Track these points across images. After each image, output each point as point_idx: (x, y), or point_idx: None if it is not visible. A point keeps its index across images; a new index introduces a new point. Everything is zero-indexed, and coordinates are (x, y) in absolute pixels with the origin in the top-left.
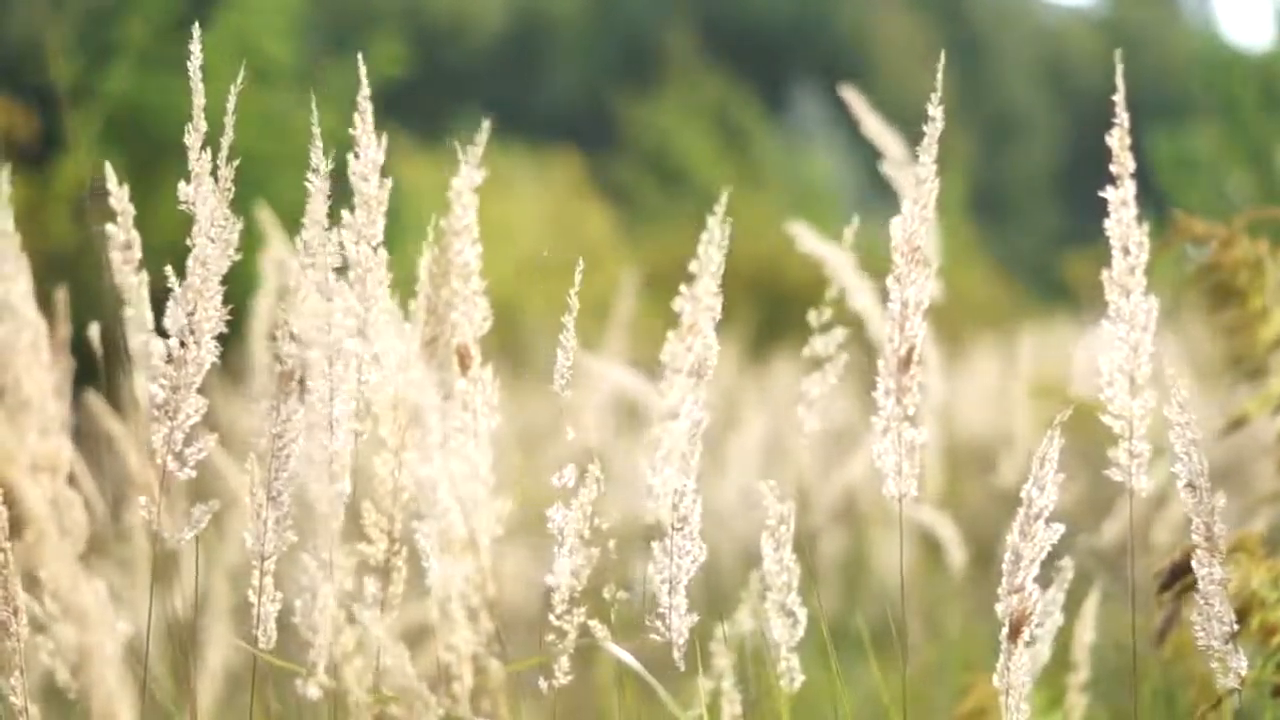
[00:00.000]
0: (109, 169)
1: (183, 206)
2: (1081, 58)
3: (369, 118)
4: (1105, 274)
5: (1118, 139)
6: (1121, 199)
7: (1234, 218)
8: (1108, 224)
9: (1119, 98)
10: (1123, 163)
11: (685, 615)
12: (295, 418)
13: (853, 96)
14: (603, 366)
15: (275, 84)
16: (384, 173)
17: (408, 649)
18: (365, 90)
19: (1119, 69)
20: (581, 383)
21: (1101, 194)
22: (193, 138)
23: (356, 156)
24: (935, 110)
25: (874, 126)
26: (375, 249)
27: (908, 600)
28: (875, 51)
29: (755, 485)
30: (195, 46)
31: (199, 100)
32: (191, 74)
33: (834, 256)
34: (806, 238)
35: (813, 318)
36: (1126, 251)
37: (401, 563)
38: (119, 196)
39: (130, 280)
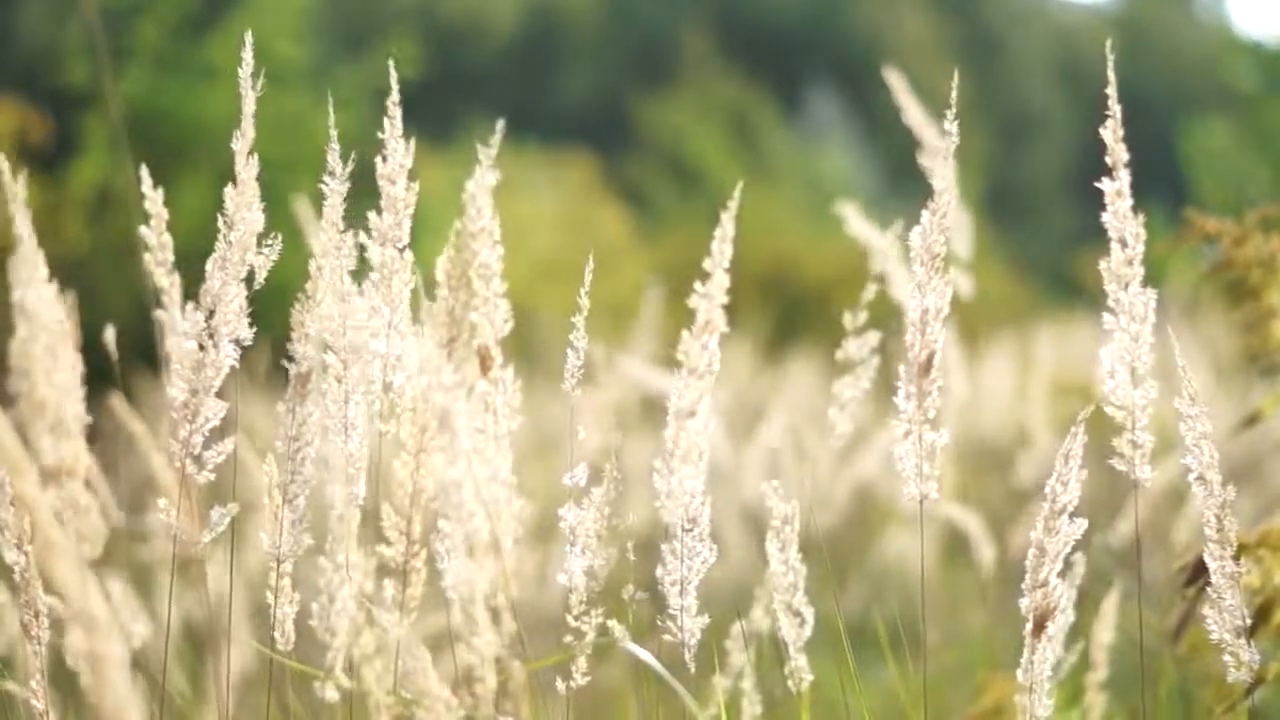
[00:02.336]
0: (144, 172)
1: (227, 214)
2: (1096, 56)
3: (398, 122)
4: (1103, 265)
5: (1111, 131)
6: (1117, 190)
7: (1247, 214)
8: (1105, 216)
9: (1111, 90)
10: (1116, 154)
11: (696, 617)
12: (310, 420)
13: (897, 82)
14: (627, 362)
15: (288, 86)
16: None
17: (426, 651)
18: (395, 95)
19: (1109, 61)
20: (597, 382)
21: (1098, 186)
22: (240, 144)
23: (384, 160)
24: (951, 125)
25: (915, 116)
26: (401, 251)
27: (926, 599)
28: (890, 51)
29: (769, 485)
30: (248, 54)
31: (249, 107)
32: (242, 82)
33: (879, 244)
34: (854, 220)
35: (847, 320)
36: (1124, 243)
37: (420, 565)
38: (153, 199)
39: (162, 283)
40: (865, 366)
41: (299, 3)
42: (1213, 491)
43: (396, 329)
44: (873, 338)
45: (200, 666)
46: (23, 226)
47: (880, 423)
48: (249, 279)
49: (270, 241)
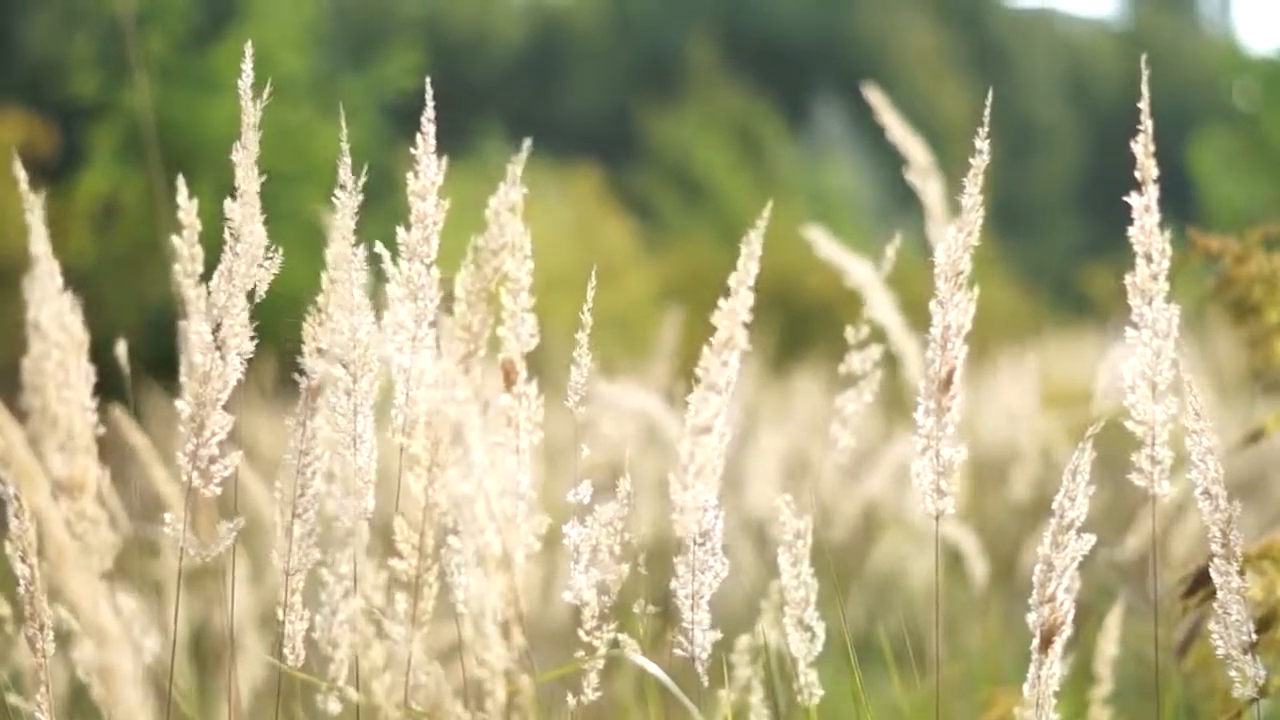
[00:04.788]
0: (180, 182)
1: (227, 223)
2: (1102, 70)
3: (430, 137)
4: (1128, 280)
5: (1142, 145)
6: (1145, 205)
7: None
8: (1131, 230)
9: (1144, 104)
10: (1146, 169)
11: (709, 630)
12: (320, 434)
13: (877, 99)
14: (620, 392)
15: (292, 98)
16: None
17: (437, 665)
18: (430, 110)
19: (1144, 75)
20: (603, 398)
21: (1126, 200)
22: (241, 155)
23: (415, 175)
24: (982, 144)
25: (898, 133)
26: (428, 267)
27: (930, 613)
28: (896, 63)
29: (776, 499)
30: (248, 65)
31: (249, 118)
32: (242, 93)
33: (854, 266)
34: (823, 244)
35: (850, 334)
36: (1149, 258)
37: (433, 579)
38: (187, 209)
39: (189, 294)
40: (868, 380)
41: (303, 15)
42: (1218, 506)
43: (420, 343)
44: (875, 351)
45: (209, 680)
46: (39, 244)
47: (887, 438)
48: (250, 292)
49: (272, 254)
